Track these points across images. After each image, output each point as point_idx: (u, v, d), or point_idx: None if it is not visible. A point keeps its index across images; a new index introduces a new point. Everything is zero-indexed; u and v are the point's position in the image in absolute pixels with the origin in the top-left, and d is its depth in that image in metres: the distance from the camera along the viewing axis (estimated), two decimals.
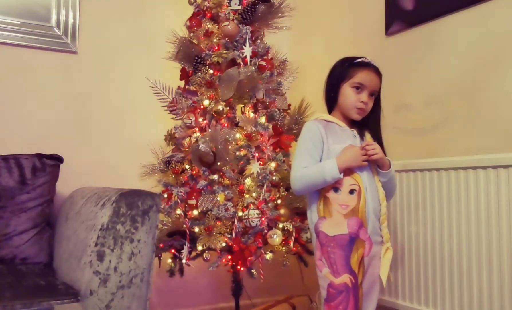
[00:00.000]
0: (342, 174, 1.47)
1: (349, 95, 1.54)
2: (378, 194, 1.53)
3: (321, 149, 1.53)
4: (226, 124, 2.01)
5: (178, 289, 2.35)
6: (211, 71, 2.05)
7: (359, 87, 1.53)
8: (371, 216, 1.49)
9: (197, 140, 1.99)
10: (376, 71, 1.55)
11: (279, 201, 1.96)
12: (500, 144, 1.67)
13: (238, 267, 1.88)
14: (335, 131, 1.56)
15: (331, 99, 1.61)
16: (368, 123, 1.60)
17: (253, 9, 2.06)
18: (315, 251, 1.55)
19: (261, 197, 1.91)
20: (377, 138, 1.59)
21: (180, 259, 1.92)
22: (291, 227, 1.93)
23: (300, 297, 2.25)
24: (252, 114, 2.06)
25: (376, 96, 1.58)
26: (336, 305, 1.46)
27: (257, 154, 1.98)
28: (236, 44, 2.06)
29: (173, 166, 2.04)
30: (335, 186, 1.49)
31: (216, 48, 2.06)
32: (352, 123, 1.60)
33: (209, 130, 1.99)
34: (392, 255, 1.52)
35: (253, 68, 2.03)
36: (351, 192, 1.49)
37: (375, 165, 1.55)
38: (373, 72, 1.54)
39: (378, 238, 1.52)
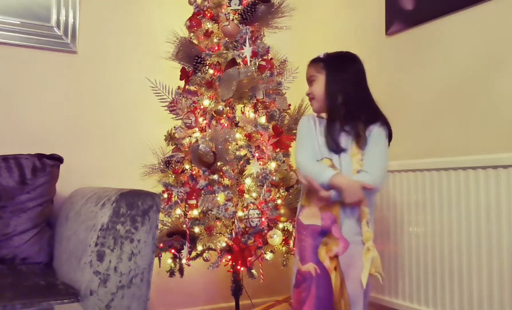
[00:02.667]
0: (332, 192, 1.46)
1: None
2: None
3: (314, 136, 1.57)
4: (226, 124, 2.01)
5: (178, 289, 2.35)
6: (211, 71, 2.05)
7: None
8: (348, 213, 1.48)
9: (197, 140, 2.00)
10: (310, 63, 1.62)
11: (279, 201, 1.96)
12: (500, 144, 1.67)
13: (238, 267, 1.88)
14: (323, 125, 1.58)
15: None
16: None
17: (253, 9, 2.06)
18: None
19: (261, 197, 1.91)
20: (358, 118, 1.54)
21: (180, 259, 1.92)
22: (291, 227, 1.93)
23: None
24: (252, 114, 2.06)
25: (315, 80, 1.58)
26: (300, 292, 1.50)
27: (257, 154, 1.98)
28: (236, 44, 2.06)
29: (173, 166, 2.04)
30: None
31: (216, 48, 2.06)
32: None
33: (209, 130, 1.99)
34: (373, 255, 1.47)
35: (253, 68, 2.03)
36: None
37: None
38: (307, 67, 1.63)
39: (358, 237, 1.49)
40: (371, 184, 1.45)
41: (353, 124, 1.52)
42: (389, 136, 1.57)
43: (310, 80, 1.60)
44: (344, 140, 1.52)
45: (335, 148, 1.51)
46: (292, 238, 1.93)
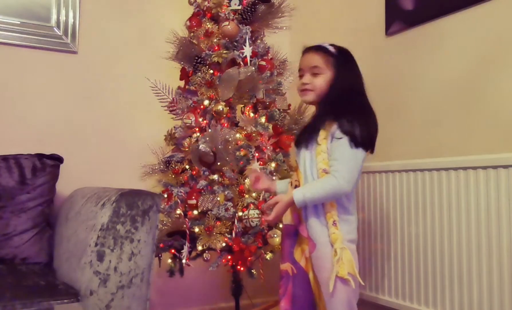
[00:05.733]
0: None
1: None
2: None
3: None
4: (226, 124, 2.01)
5: (178, 289, 2.35)
6: (211, 71, 2.05)
7: (301, 74, 1.58)
8: (310, 213, 1.46)
9: (197, 140, 1.99)
10: (310, 50, 1.59)
11: None
12: (500, 144, 1.67)
13: (238, 267, 1.88)
14: None
15: None
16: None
17: (253, 9, 2.06)
18: None
19: (261, 197, 1.91)
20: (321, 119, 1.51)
21: (180, 259, 1.92)
22: None
23: None
24: (252, 114, 2.06)
25: (320, 73, 1.53)
26: (279, 288, 1.55)
27: (257, 154, 1.98)
28: (236, 44, 2.06)
29: (173, 166, 2.04)
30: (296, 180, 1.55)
31: (216, 48, 2.06)
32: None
33: (209, 130, 1.99)
34: (342, 257, 1.39)
35: (253, 68, 2.03)
36: (296, 187, 1.53)
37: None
38: (306, 53, 1.59)
39: (324, 238, 1.44)
40: (332, 188, 1.41)
41: (323, 121, 1.48)
42: (363, 135, 1.44)
43: (314, 72, 1.53)
44: (316, 136, 1.49)
45: (296, 142, 1.56)
46: None
